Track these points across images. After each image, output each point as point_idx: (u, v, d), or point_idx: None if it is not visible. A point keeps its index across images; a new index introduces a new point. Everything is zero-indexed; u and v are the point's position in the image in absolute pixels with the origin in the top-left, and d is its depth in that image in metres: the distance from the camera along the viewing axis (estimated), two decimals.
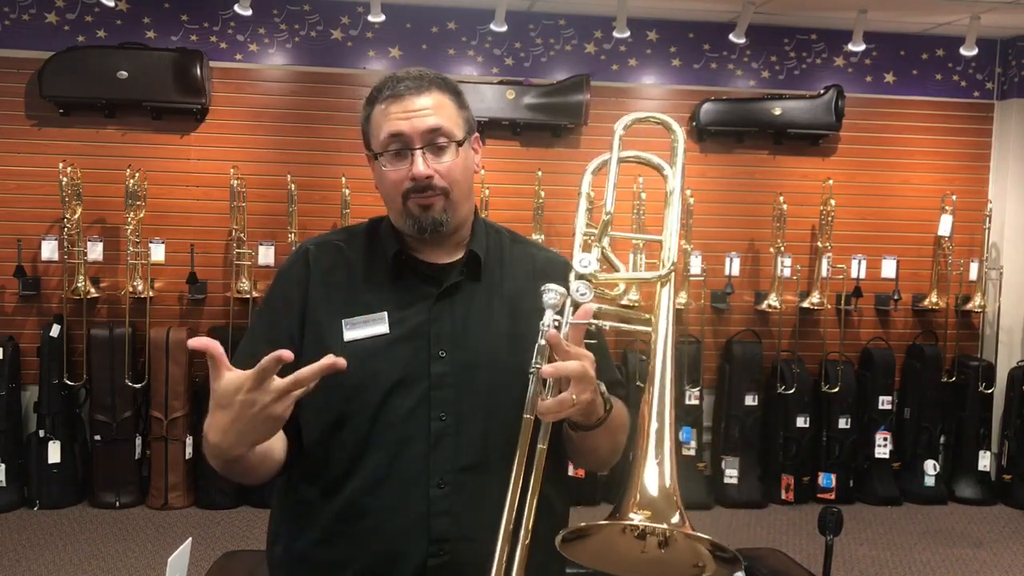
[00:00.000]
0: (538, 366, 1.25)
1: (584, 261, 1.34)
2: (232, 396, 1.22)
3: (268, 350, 1.22)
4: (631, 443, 1.34)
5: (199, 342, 1.22)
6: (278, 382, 1.22)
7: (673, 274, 1.37)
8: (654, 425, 1.23)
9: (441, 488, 1.39)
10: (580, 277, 1.33)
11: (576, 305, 1.30)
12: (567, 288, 1.30)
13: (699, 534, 1.17)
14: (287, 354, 1.20)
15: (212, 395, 1.25)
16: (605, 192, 1.41)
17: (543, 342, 1.25)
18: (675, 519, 1.17)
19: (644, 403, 1.26)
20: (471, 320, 1.46)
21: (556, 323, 1.27)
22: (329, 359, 1.22)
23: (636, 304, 4.94)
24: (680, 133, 1.50)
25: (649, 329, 1.33)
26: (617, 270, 1.43)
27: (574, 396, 1.25)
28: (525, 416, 1.26)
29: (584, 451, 1.45)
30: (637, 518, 1.17)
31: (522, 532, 1.26)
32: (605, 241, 1.41)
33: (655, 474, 1.20)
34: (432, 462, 1.39)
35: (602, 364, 1.34)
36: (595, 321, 1.30)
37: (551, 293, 1.28)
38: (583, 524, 1.19)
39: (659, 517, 1.17)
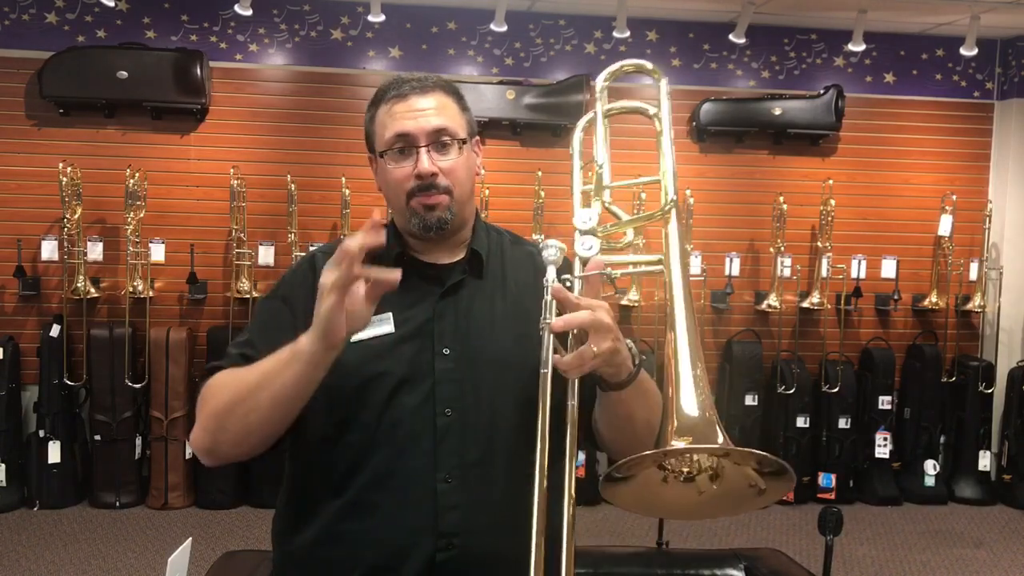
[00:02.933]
0: (548, 321, 1.21)
1: (585, 217, 1.31)
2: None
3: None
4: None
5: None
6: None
7: (675, 210, 1.33)
8: (683, 354, 1.18)
9: (448, 483, 1.40)
10: (584, 233, 1.30)
11: (584, 261, 1.28)
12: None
13: (747, 449, 1.12)
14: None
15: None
16: (594, 148, 1.39)
17: (548, 297, 1.22)
18: (720, 440, 1.12)
19: (667, 343, 1.22)
20: (474, 317, 1.47)
21: (566, 282, 1.24)
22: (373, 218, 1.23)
23: (638, 304, 4.94)
24: (663, 79, 1.47)
25: (661, 268, 1.29)
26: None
27: (594, 347, 1.21)
28: (542, 371, 1.22)
29: (620, 420, 1.39)
30: (681, 444, 1.11)
31: (565, 500, 1.20)
32: (606, 195, 1.39)
33: (692, 398, 1.14)
34: (438, 457, 1.40)
35: None
36: (605, 270, 1.27)
37: (551, 249, 1.25)
38: (625, 460, 1.12)
39: (703, 440, 1.12)
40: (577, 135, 1.47)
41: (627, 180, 1.51)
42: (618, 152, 1.51)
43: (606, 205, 1.39)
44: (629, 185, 1.52)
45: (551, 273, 1.24)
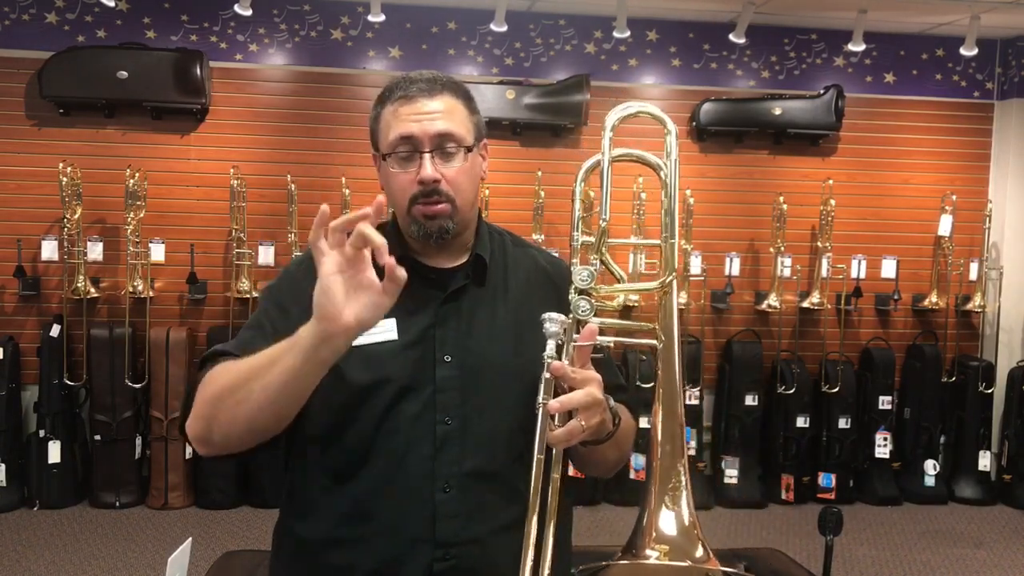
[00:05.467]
0: (544, 400, 1.23)
1: (583, 275, 1.30)
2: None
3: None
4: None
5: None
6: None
7: (675, 280, 1.33)
8: (665, 448, 1.21)
9: (447, 492, 1.38)
10: (581, 292, 1.30)
11: (579, 323, 1.28)
12: (566, 312, 1.28)
13: (726, 569, 1.13)
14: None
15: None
16: (601, 197, 1.36)
17: (547, 375, 1.23)
18: (699, 554, 1.13)
19: (652, 426, 1.26)
20: (476, 324, 1.45)
21: (560, 342, 1.25)
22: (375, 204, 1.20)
23: (637, 304, 4.93)
24: (671, 131, 1.40)
25: (654, 342, 1.30)
26: (618, 278, 1.40)
27: (583, 423, 1.24)
28: (537, 457, 1.23)
29: (591, 462, 1.46)
30: (654, 555, 1.13)
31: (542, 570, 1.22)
32: (604, 250, 1.38)
33: (672, 515, 1.16)
34: (437, 466, 1.38)
35: (605, 371, 1.33)
36: (599, 342, 1.28)
37: (552, 323, 1.25)
38: (599, 564, 1.15)
39: (679, 554, 1.13)
40: (579, 181, 1.43)
41: (629, 240, 1.53)
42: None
43: (604, 261, 1.37)
44: (629, 244, 1.53)
45: (550, 348, 1.24)
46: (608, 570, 1.16)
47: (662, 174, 1.39)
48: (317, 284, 1.18)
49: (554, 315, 1.26)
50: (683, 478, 1.20)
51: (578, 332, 1.28)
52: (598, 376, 1.27)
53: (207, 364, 1.40)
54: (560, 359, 1.25)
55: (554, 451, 1.25)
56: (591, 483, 4.93)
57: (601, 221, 1.37)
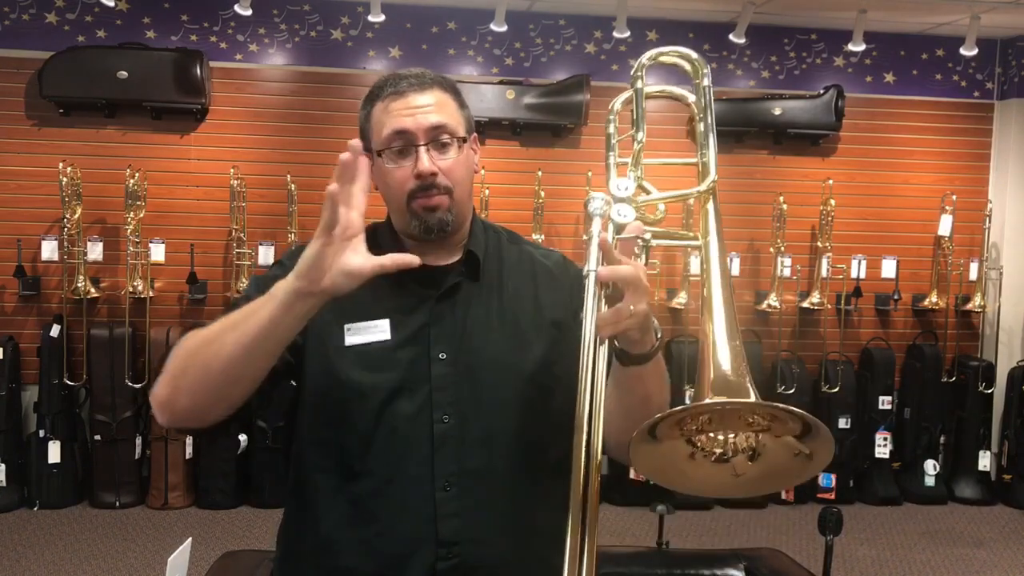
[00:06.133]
0: (593, 269, 1.15)
1: (621, 185, 1.26)
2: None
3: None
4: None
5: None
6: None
7: (714, 191, 1.31)
8: (720, 326, 1.16)
9: (447, 490, 1.38)
10: (619, 200, 1.24)
11: (619, 228, 1.22)
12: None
13: (783, 406, 1.07)
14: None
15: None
16: (634, 122, 1.38)
17: (595, 246, 1.16)
18: (752, 398, 1.09)
19: (704, 309, 1.19)
20: (471, 321, 1.45)
21: (603, 220, 1.20)
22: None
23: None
24: (704, 64, 1.45)
25: (699, 243, 1.26)
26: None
27: (631, 306, 1.17)
28: (587, 330, 1.14)
29: (636, 403, 1.32)
30: (718, 400, 1.08)
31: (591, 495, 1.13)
32: (640, 171, 1.36)
33: (727, 356, 1.12)
34: (437, 464, 1.38)
35: None
36: (644, 236, 1.23)
37: (597, 201, 1.21)
38: (658, 415, 1.08)
39: (737, 395, 1.08)
40: (614, 111, 1.46)
41: (664, 159, 1.53)
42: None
43: (640, 181, 1.35)
44: (664, 164, 1.52)
45: (596, 225, 1.19)
46: (667, 425, 1.10)
47: (693, 102, 1.45)
48: (310, 245, 1.20)
49: (598, 193, 1.22)
50: (738, 338, 1.16)
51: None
52: (643, 266, 1.21)
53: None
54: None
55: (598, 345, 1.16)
56: None
57: (636, 143, 1.36)
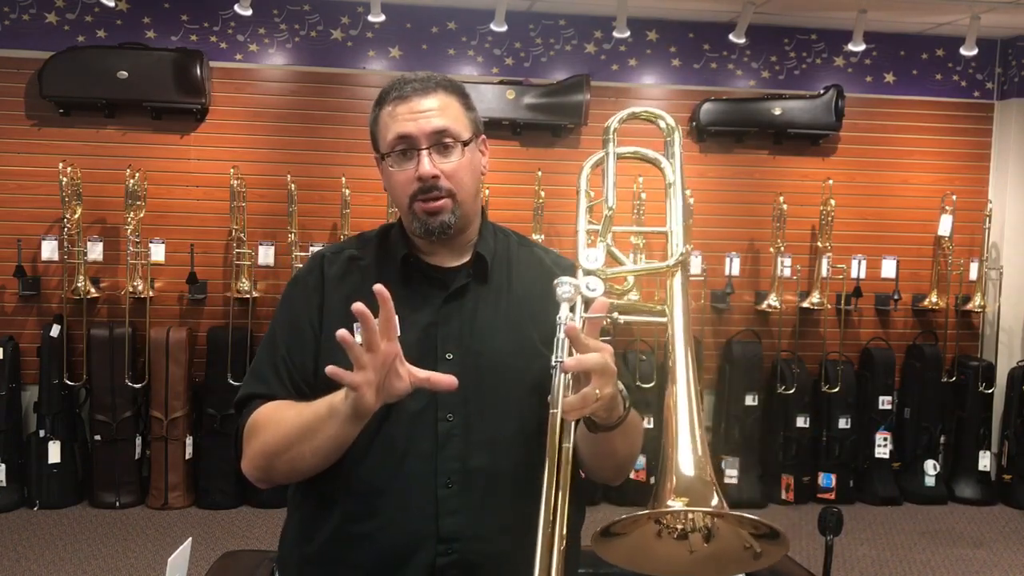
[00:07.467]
0: (560, 360, 1.21)
1: (591, 256, 1.32)
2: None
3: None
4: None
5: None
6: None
7: (683, 264, 1.35)
8: (683, 413, 1.18)
9: (449, 487, 1.40)
10: (588, 273, 1.30)
11: (588, 301, 1.27)
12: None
13: (742, 513, 1.11)
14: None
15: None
16: (604, 189, 1.39)
17: (562, 335, 1.21)
18: (714, 502, 1.12)
19: (668, 395, 1.22)
20: (478, 322, 1.47)
21: (573, 307, 1.24)
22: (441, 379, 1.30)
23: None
24: (676, 128, 1.48)
25: (664, 320, 1.30)
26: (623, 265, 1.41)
27: (596, 391, 1.22)
28: (552, 412, 1.22)
29: (602, 456, 1.41)
30: (677, 504, 1.12)
31: (556, 538, 1.20)
32: (609, 238, 1.39)
33: (689, 460, 1.15)
34: (439, 462, 1.40)
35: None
36: (611, 315, 1.27)
37: (565, 287, 1.25)
38: (620, 517, 1.12)
39: (699, 502, 1.12)
40: (585, 172, 1.48)
41: (636, 228, 1.55)
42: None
43: (609, 248, 1.39)
44: (636, 232, 1.55)
45: (564, 311, 1.24)
46: (629, 527, 1.15)
47: (666, 168, 1.44)
48: (352, 384, 1.25)
49: (567, 279, 1.26)
50: (699, 438, 1.18)
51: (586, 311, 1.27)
52: (610, 347, 1.25)
53: (243, 411, 1.48)
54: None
55: (566, 422, 1.23)
56: (591, 482, 4.92)
57: (607, 210, 1.39)
